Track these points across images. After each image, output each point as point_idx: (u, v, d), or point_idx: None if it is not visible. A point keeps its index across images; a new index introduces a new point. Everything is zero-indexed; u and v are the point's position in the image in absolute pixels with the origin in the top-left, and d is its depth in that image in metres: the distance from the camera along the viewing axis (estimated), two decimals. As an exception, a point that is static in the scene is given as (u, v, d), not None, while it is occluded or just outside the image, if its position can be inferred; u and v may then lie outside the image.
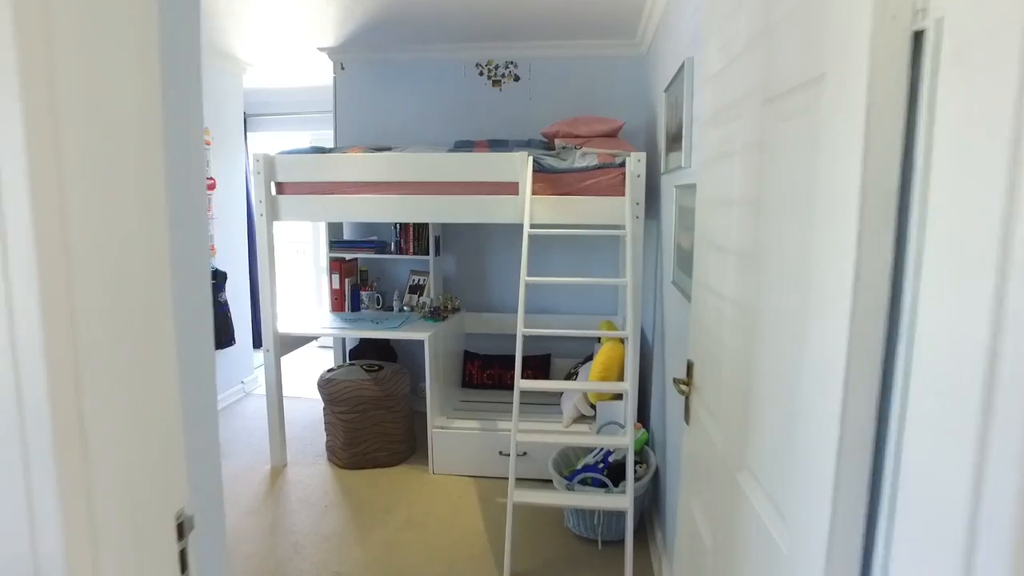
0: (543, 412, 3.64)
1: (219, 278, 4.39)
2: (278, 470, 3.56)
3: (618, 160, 3.16)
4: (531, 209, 3.10)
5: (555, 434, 3.00)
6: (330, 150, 3.41)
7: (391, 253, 4.16)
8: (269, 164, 3.35)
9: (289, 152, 3.41)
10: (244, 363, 4.86)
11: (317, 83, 5.19)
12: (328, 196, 3.33)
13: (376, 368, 3.66)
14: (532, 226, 3.27)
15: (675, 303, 2.57)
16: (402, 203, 3.27)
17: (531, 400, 3.78)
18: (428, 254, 4.09)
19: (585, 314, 4.23)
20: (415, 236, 4.10)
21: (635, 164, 3.08)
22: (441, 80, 4.25)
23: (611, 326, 3.75)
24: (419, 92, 4.28)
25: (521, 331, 2.86)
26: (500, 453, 3.44)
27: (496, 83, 4.21)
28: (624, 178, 3.09)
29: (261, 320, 3.47)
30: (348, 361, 4.32)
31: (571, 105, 4.11)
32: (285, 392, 4.99)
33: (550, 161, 3.22)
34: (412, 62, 4.26)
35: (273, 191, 3.41)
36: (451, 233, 4.33)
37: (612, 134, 3.42)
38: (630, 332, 2.85)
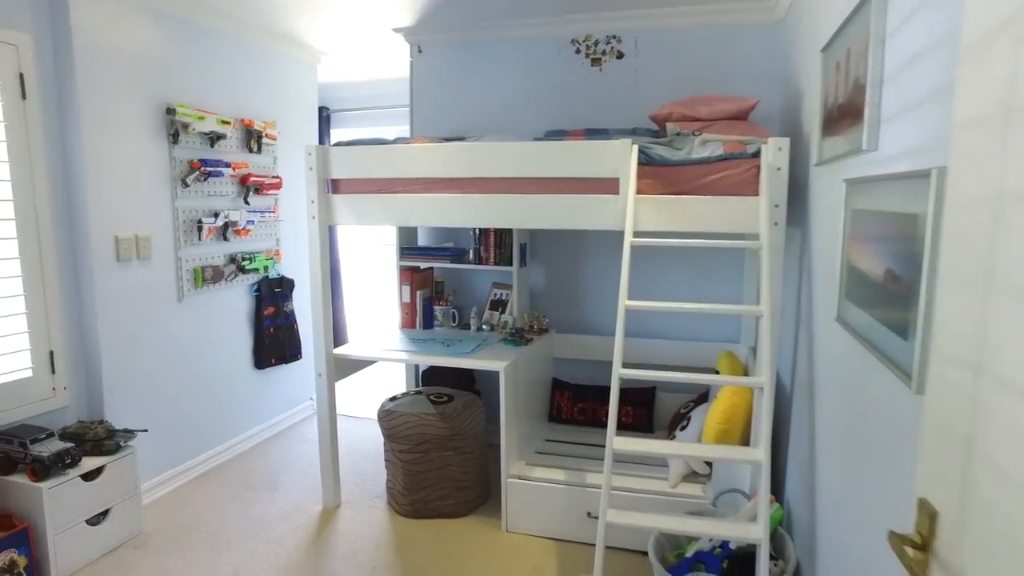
0: (644, 465, 2.93)
1: (285, 286, 4.00)
2: (329, 513, 3.07)
3: (751, 149, 2.41)
4: (635, 213, 2.42)
5: (658, 516, 2.29)
6: (393, 141, 2.89)
7: (469, 263, 3.59)
8: (322, 157, 2.86)
9: (346, 143, 2.91)
10: (313, 379, 4.46)
11: (400, 74, 4.73)
12: (390, 195, 2.80)
13: (444, 399, 3.10)
14: (635, 234, 2.58)
15: (839, 347, 1.80)
16: (476, 204, 2.68)
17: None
18: (512, 265, 3.49)
19: (699, 341, 3.46)
20: (497, 244, 3.51)
21: (775, 154, 2.32)
22: (530, 60, 3.63)
23: (732, 360, 2.98)
24: (505, 75, 3.68)
25: (618, 372, 2.19)
26: (588, 515, 2.76)
27: (595, 61, 3.54)
28: (758, 172, 2.34)
29: (313, 339, 2.99)
30: (418, 385, 3.79)
31: (686, 86, 3.37)
32: (352, 411, 4.63)
33: (660, 151, 2.51)
34: (497, 41, 3.67)
35: (328, 189, 2.92)
36: (540, 240, 3.71)
37: (742, 116, 2.67)
38: (766, 379, 2.10)
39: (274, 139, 3.83)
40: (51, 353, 2.77)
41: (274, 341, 3.94)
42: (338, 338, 5.73)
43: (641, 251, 3.52)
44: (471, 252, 3.59)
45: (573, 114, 3.59)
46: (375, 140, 2.90)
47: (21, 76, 2.62)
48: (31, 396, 2.71)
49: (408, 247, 3.65)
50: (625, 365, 3.04)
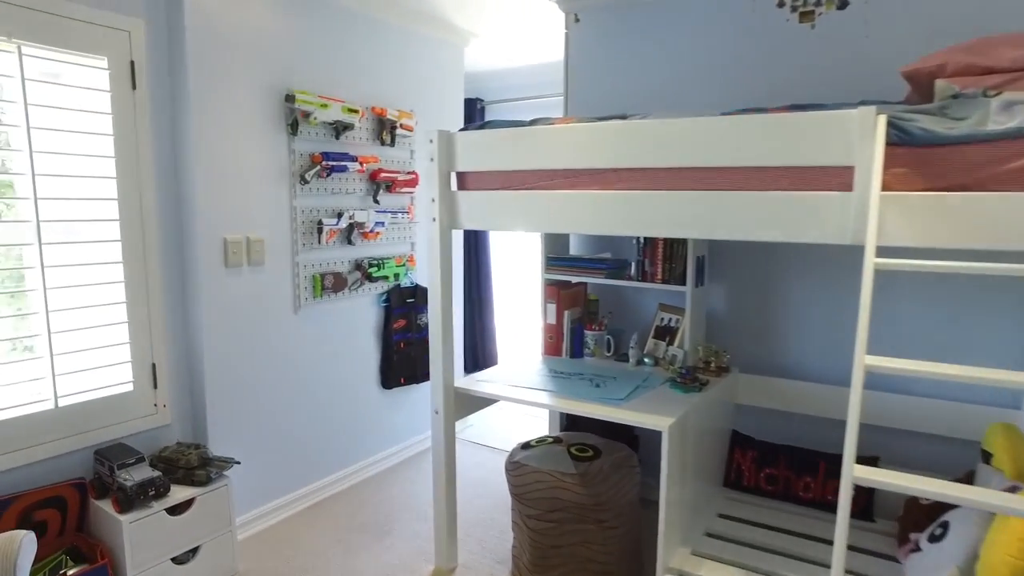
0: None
1: (419, 296, 3.55)
2: (441, 575, 2.53)
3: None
4: (879, 218, 1.57)
5: None
6: (531, 122, 2.26)
7: (630, 279, 2.87)
8: (446, 145, 2.31)
9: (474, 126, 2.33)
10: (450, 399, 3.99)
11: (558, 58, 4.12)
12: (527, 193, 2.17)
13: (589, 454, 2.41)
14: (880, 254, 1.74)
15: None
16: (640, 205, 1.97)
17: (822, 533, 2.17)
18: (685, 283, 2.71)
19: (954, 400, 2.44)
20: (667, 256, 2.75)
21: None
22: (714, 21, 2.82)
23: (1015, 438, 1.97)
24: (680, 42, 2.91)
25: (851, 473, 1.38)
26: (783, 649, 1.93)
27: (805, 16, 2.65)
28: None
29: (431, 370, 2.46)
30: (560, 430, 3.13)
31: (943, 40, 2.37)
32: (490, 441, 4.11)
33: (925, 123, 1.63)
34: (671, 0, 2.91)
35: (453, 185, 2.37)
36: (722, 252, 2.88)
37: (1070, 65, 1.68)
38: None
39: (410, 130, 3.38)
40: (153, 366, 2.50)
41: (404, 358, 3.50)
42: (486, 360, 5.26)
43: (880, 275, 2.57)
44: (633, 266, 2.87)
45: (772, 88, 2.72)
46: (509, 122, 2.29)
47: (132, 64, 2.36)
48: (132, 412, 2.45)
49: (555, 257, 3.01)
50: (833, 424, 2.13)
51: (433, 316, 2.40)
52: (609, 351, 2.96)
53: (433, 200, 2.33)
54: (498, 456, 3.73)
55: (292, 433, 2.97)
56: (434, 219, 2.34)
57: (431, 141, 2.30)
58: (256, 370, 2.77)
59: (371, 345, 3.38)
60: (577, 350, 2.99)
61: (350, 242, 3.11)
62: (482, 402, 2.63)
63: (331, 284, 3.02)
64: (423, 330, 3.60)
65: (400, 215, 3.36)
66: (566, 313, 2.96)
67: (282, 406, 2.91)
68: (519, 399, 2.37)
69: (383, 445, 3.52)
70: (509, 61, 4.47)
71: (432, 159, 2.31)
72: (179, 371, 2.59)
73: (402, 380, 3.51)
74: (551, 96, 4.61)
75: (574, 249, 3.25)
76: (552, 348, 3.01)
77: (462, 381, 2.53)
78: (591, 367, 2.79)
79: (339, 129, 2.97)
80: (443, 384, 2.42)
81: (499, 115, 5.01)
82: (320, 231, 2.93)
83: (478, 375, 2.63)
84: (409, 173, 3.39)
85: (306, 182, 2.85)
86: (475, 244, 5.11)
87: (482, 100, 5.01)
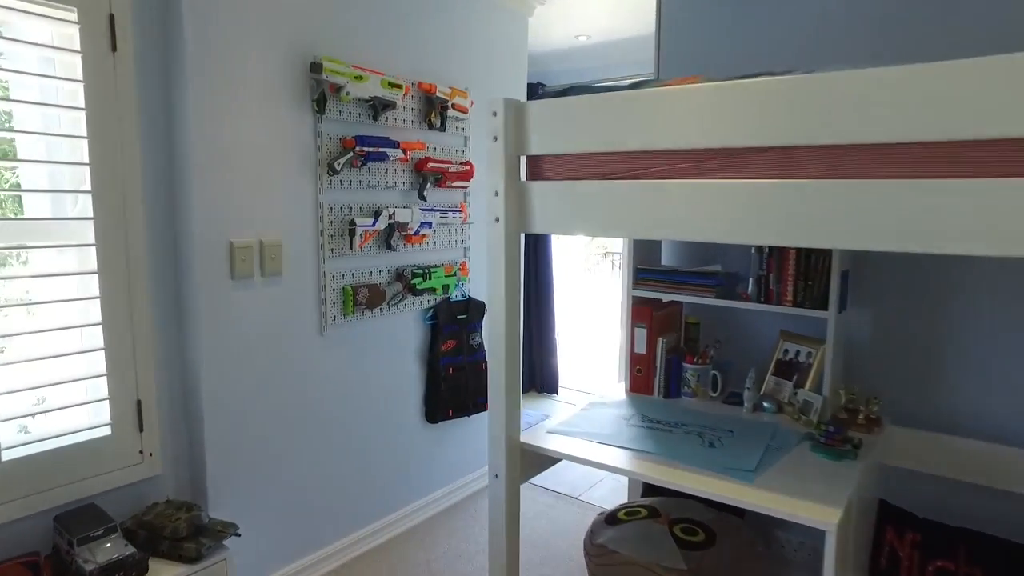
0: None
1: (472, 312, 2.96)
2: None
3: None
4: None
5: None
6: (636, 84, 1.63)
7: (746, 299, 2.20)
8: (516, 119, 1.70)
9: (553, 93, 1.71)
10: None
11: (636, 29, 3.48)
12: (635, 184, 1.54)
13: (699, 538, 1.77)
14: None
15: None
16: (800, 199, 1.32)
17: None
18: (826, 307, 2.03)
19: None
20: (800, 271, 2.08)
21: None
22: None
23: None
24: (821, -10, 2.23)
25: None
26: None
27: (1007, -55, 1.94)
28: None
29: (489, 421, 1.85)
30: (655, 497, 2.49)
31: None
32: (551, 482, 3.06)
33: None
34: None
35: (523, 174, 1.76)
36: (871, 266, 2.19)
37: None
38: None
39: (465, 112, 2.79)
40: (138, 404, 1.97)
41: (454, 386, 2.91)
42: (544, 379, 4.63)
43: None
44: (750, 282, 2.20)
45: (955, 36, 2.02)
46: (600, 86, 1.66)
47: (111, 19, 1.83)
48: (110, 463, 1.93)
49: (647, 269, 2.36)
50: (1001, 496, 1.53)
51: (495, 348, 1.79)
52: (715, 391, 2.30)
53: (497, 194, 1.72)
54: (564, 504, 3.11)
55: (315, 481, 2.41)
56: (497, 219, 1.73)
57: (494, 114, 1.69)
58: (270, 406, 2.22)
59: (414, 372, 2.80)
60: (673, 388, 2.33)
61: (389, 247, 2.53)
62: (545, 460, 2.01)
63: (365, 299, 2.44)
64: (476, 352, 3.01)
65: (451, 214, 2.77)
66: (660, 341, 2.31)
67: (302, 448, 2.35)
68: (612, 467, 1.74)
69: (427, 489, 2.94)
70: (576, 39, 3.85)
71: (495, 138, 1.70)
72: (172, 409, 2.05)
73: (450, 412, 2.92)
74: (627, 79, 3.97)
75: (667, 258, 2.60)
76: (640, 384, 2.36)
77: (531, 435, 1.92)
78: (695, 414, 2.13)
79: (377, 108, 2.40)
80: (505, 441, 1.81)
81: (563, 101, 4.38)
82: (353, 234, 2.36)
83: (549, 425, 2.01)
84: (463, 164, 2.80)
85: (336, 172, 2.28)
86: (534, 244, 4.50)
87: (543, 85, 4.39)
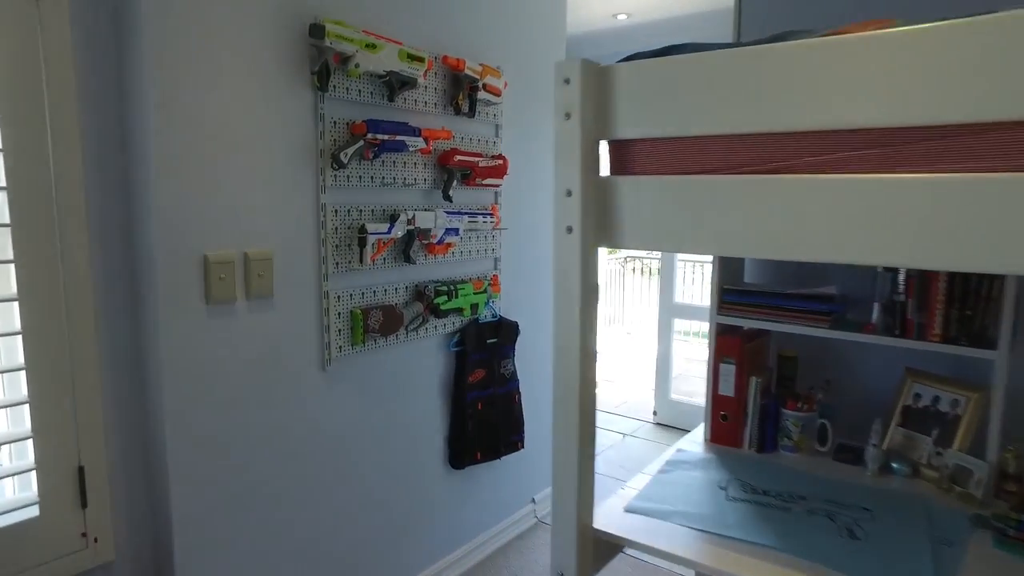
0: None
1: (504, 334, 2.47)
2: None
3: None
4: None
5: None
6: (779, 37, 1.13)
7: (869, 331, 1.70)
8: (598, 88, 1.20)
9: (647, 53, 1.21)
10: (538, 468, 2.90)
11: (692, 6, 2.99)
12: (777, 180, 1.04)
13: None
14: None
15: None
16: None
17: None
18: (989, 344, 1.53)
19: None
20: (951, 297, 1.58)
21: None
22: None
23: None
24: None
25: None
26: None
27: None
28: None
29: (554, 506, 1.36)
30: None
31: None
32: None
33: None
34: None
35: (603, 166, 1.26)
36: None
37: None
38: None
39: (498, 95, 2.30)
40: (80, 472, 1.48)
41: (482, 424, 2.42)
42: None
43: None
44: (875, 309, 1.70)
45: None
46: (710, 44, 1.16)
47: (43, -47, 1.35)
48: (40, 551, 1.44)
49: (736, 290, 1.86)
50: None
51: (563, 406, 1.30)
52: (823, 444, 1.80)
53: (569, 194, 1.22)
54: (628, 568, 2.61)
55: (317, 550, 1.92)
56: (569, 229, 1.23)
57: (567, 81, 1.20)
58: (259, 465, 1.73)
59: (436, 409, 2.31)
60: (769, 440, 1.84)
61: (408, 259, 2.04)
62: (614, 546, 1.51)
63: (378, 324, 1.95)
64: (509, 382, 2.52)
65: (481, 218, 2.28)
66: (753, 382, 1.82)
67: (301, 514, 1.86)
68: (728, 574, 1.25)
69: (452, 545, 2.45)
70: (615, 18, 3.35)
71: (568, 115, 1.20)
72: (128, 477, 1.56)
73: (478, 455, 2.43)
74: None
75: (751, 274, 2.10)
76: (726, 433, 1.87)
77: (606, 516, 1.42)
78: (809, 480, 1.64)
79: (394, 85, 1.91)
80: (577, 531, 1.31)
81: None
82: (363, 243, 1.87)
83: (626, 496, 1.52)
84: (495, 158, 2.31)
85: (342, 166, 1.79)
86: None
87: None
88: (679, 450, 1.83)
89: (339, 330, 1.88)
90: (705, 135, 1.11)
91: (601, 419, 4.26)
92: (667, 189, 1.15)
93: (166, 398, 1.51)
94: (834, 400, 1.89)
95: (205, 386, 1.59)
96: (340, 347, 1.90)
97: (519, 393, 2.57)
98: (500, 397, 2.49)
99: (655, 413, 4.24)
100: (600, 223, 1.24)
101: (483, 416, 2.43)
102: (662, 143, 1.17)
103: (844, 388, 1.93)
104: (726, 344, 1.84)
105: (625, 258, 7.61)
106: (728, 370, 1.84)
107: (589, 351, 1.28)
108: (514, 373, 2.54)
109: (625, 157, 1.23)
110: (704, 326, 2.54)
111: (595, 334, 1.29)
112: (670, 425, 4.16)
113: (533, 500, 2.89)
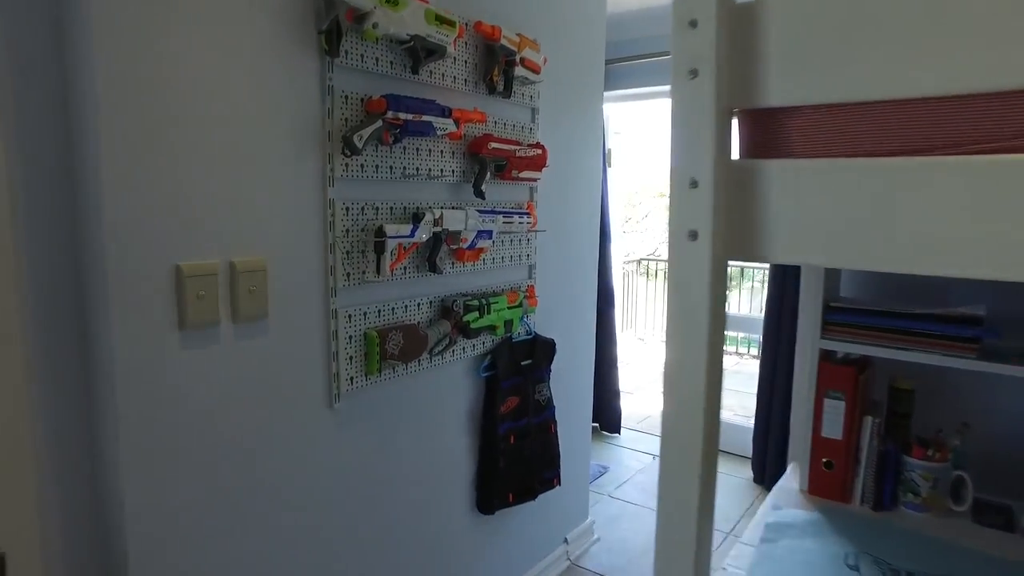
0: None
1: (539, 355, 2.10)
2: None
3: None
4: None
5: None
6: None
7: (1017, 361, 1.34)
8: (738, 34, 0.83)
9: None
10: (572, 503, 2.54)
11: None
12: None
13: None
14: None
15: None
16: None
17: None
18: None
19: None
20: None
21: None
22: None
23: None
24: None
25: None
26: None
27: None
28: None
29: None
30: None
31: None
32: None
33: None
34: None
35: (735, 147, 0.89)
36: None
37: None
38: None
39: (537, 71, 1.93)
40: (1, 560, 1.11)
41: (515, 459, 2.05)
42: (605, 421, 3.77)
43: None
44: (1039, 332, 1.34)
45: None
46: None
47: None
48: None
49: (846, 308, 1.49)
50: None
51: (679, 456, 0.93)
52: (959, 503, 1.45)
53: (695, 184, 0.85)
54: None
55: (321, 636, 1.55)
56: (694, 234, 0.86)
57: (692, 24, 0.83)
58: (248, 532, 1.36)
59: (463, 446, 1.94)
60: (887, 495, 1.48)
61: (434, 268, 1.67)
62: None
63: (399, 348, 1.58)
64: (544, 410, 2.15)
65: (517, 218, 1.91)
66: (869, 422, 1.45)
67: (298, 570, 1.49)
68: None
69: (475, 602, 2.08)
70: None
71: (694, 72, 0.83)
72: (70, 562, 1.19)
73: (510, 497, 2.06)
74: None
75: (848, 288, 1.74)
76: (831, 486, 1.51)
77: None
78: (956, 551, 1.28)
79: (419, 53, 1.54)
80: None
81: (621, 80, 3.53)
82: (381, 249, 1.50)
83: (727, 566, 1.16)
84: (533, 147, 1.94)
85: (355, 152, 1.42)
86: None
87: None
88: (775, 506, 1.47)
89: (350, 357, 1.51)
90: (910, 98, 0.75)
91: (625, 437, 3.90)
92: (849, 178, 0.78)
93: (124, 457, 1.14)
94: (975, 448, 1.53)
95: (179, 439, 1.21)
96: (352, 378, 1.52)
97: (555, 422, 2.21)
98: (535, 428, 2.12)
99: (686, 431, 3.87)
100: (736, 227, 0.87)
101: (516, 451, 2.06)
102: (838, 111, 0.80)
103: (981, 431, 1.57)
104: (833, 375, 1.48)
105: (639, 260, 7.25)
106: (835, 407, 1.48)
107: (716, 396, 0.91)
108: (550, 399, 2.18)
109: (774, 133, 0.86)
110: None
111: (721, 368, 0.92)
112: (703, 444, 3.79)
113: (566, 540, 2.53)
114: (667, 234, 0.89)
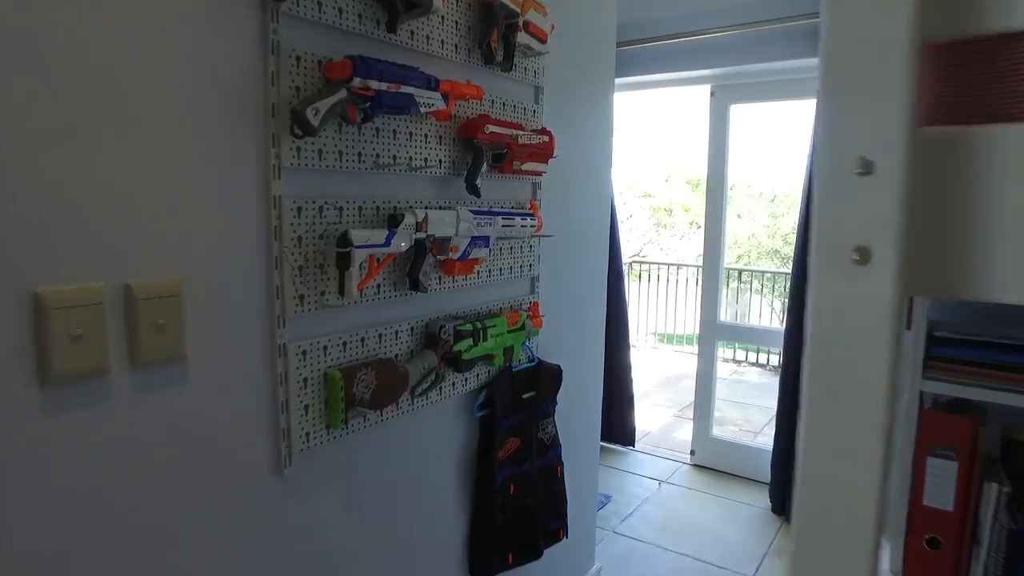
0: None
1: (543, 386, 1.74)
2: None
3: None
4: None
5: None
6: None
7: None
8: None
9: None
10: (576, 552, 2.18)
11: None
12: None
13: None
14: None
15: None
16: None
17: None
18: None
19: None
20: None
21: None
22: None
23: None
24: None
25: None
26: None
27: None
28: None
29: None
30: None
31: None
32: None
33: None
34: None
35: (901, 127, 0.53)
36: None
37: None
38: None
39: (544, 40, 1.57)
40: None
41: (516, 511, 1.69)
42: (616, 435, 3.41)
43: None
44: None
45: None
46: None
47: None
48: None
49: (960, 340, 1.15)
50: None
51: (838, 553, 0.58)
52: (1107, 594, 1.11)
53: (867, 170, 0.49)
54: None
55: None
56: (863, 253, 0.50)
57: None
58: (161, 657, 0.98)
59: (452, 501, 1.57)
60: (1007, 582, 1.13)
61: (416, 286, 1.29)
62: None
63: (370, 391, 1.21)
64: (550, 450, 1.79)
65: (519, 220, 1.54)
66: (994, 491, 1.11)
67: None
68: None
69: None
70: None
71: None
72: None
73: (510, 558, 1.70)
74: (736, 28, 2.78)
75: (943, 311, 1.40)
76: (938, 570, 1.16)
77: None
78: None
79: (396, 5, 1.16)
80: None
81: (633, 65, 3.18)
82: (347, 262, 1.12)
83: None
84: (538, 132, 1.57)
85: (309, 131, 1.04)
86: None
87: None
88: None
89: (305, 407, 1.14)
90: None
91: (627, 460, 3.56)
92: None
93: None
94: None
95: (45, 544, 0.83)
96: (307, 434, 1.15)
97: (561, 464, 1.84)
98: (539, 472, 1.76)
99: (693, 453, 3.55)
100: (933, 243, 0.52)
101: (517, 502, 1.69)
102: None
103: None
104: (940, 426, 1.14)
105: (630, 262, 6.94)
106: (946, 469, 1.13)
107: (885, 489, 0.55)
108: (555, 437, 1.81)
109: (1002, 81, 0.51)
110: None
111: (893, 442, 0.57)
112: (711, 467, 3.46)
113: (571, 594, 2.17)
114: (813, 254, 0.54)
